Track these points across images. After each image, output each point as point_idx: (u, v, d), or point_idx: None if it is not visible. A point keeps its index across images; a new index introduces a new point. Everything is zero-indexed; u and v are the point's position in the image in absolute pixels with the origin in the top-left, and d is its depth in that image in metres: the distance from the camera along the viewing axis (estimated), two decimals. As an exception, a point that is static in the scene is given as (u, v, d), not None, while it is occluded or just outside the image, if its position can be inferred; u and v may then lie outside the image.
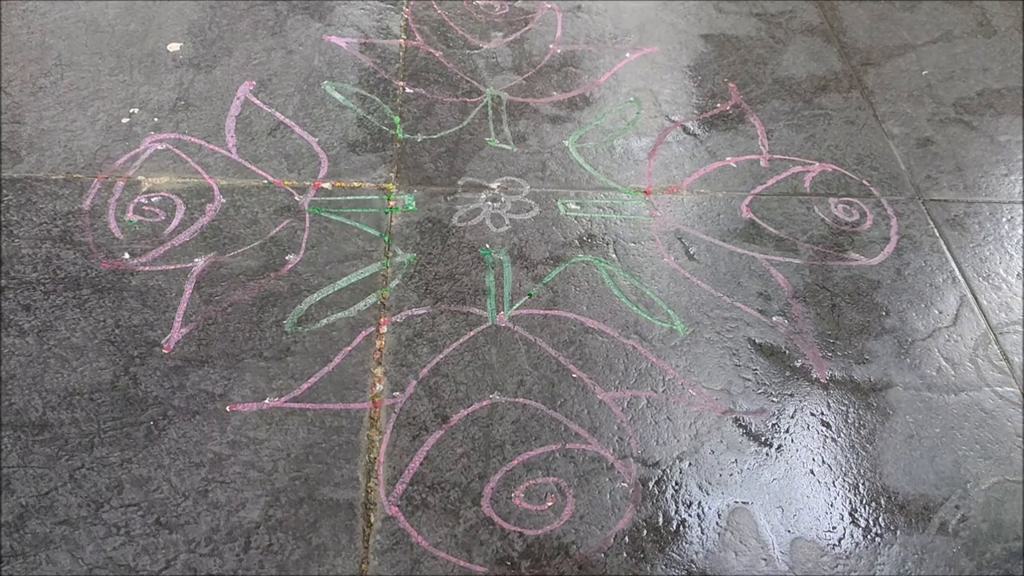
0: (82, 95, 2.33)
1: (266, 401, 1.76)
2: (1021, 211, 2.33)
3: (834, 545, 1.66)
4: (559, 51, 2.67)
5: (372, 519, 1.61)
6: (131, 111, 2.30)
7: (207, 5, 2.65)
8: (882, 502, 1.72)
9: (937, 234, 2.24)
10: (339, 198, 2.16)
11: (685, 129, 2.45)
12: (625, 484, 1.70)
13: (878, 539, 1.67)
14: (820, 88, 2.62)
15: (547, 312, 1.97)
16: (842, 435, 1.82)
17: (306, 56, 2.54)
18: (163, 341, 1.83)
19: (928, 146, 2.48)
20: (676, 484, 1.71)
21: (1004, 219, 2.30)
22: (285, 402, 1.76)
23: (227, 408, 1.74)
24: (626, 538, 1.63)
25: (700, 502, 1.69)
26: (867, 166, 2.39)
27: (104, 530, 1.56)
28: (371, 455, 1.70)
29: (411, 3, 2.78)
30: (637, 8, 2.86)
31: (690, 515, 1.67)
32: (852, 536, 1.67)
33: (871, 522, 1.69)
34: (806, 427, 1.82)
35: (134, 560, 1.52)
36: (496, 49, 2.65)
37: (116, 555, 1.52)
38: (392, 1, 2.77)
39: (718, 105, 2.54)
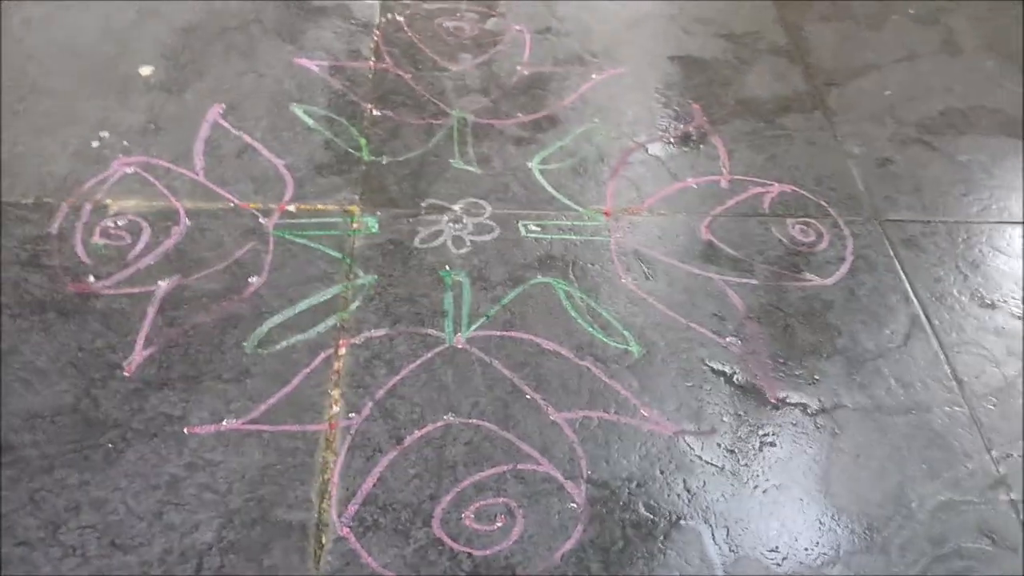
0: (55, 120, 2.37)
1: (223, 423, 1.79)
2: (977, 231, 2.36)
3: (778, 564, 1.69)
4: (527, 72, 2.71)
5: (324, 540, 1.64)
6: (101, 135, 2.34)
7: (180, 29, 2.70)
8: (826, 521, 1.75)
9: (892, 254, 2.27)
10: (303, 220, 2.20)
11: (648, 150, 2.49)
12: (574, 505, 1.73)
13: (823, 557, 1.70)
14: (783, 108, 2.66)
15: (504, 333, 2.00)
16: (791, 455, 1.85)
17: (276, 79, 2.58)
18: (124, 363, 1.86)
19: (887, 166, 2.52)
20: (624, 505, 1.74)
21: (960, 239, 2.33)
22: (242, 424, 1.79)
23: (185, 430, 1.77)
24: (573, 558, 1.66)
25: (647, 522, 1.72)
26: (826, 187, 2.43)
27: (61, 551, 1.59)
28: (325, 476, 1.73)
29: (382, 26, 2.82)
30: (606, 30, 2.91)
31: (637, 535, 1.70)
32: (796, 556, 1.70)
33: (816, 542, 1.72)
34: (756, 448, 1.86)
35: (88, 581, 1.55)
36: (464, 71, 2.69)
37: (71, 576, 1.56)
38: (363, 24, 2.81)
39: (681, 126, 2.58)
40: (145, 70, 2.55)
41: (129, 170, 2.27)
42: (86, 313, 1.95)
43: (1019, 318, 2.15)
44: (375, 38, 2.77)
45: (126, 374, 1.85)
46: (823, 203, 2.38)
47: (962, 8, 3.12)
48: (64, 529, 1.62)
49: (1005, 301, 2.19)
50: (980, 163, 2.55)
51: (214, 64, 2.60)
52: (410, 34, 2.80)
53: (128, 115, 2.41)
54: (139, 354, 1.89)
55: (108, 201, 2.18)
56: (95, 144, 2.32)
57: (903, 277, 2.22)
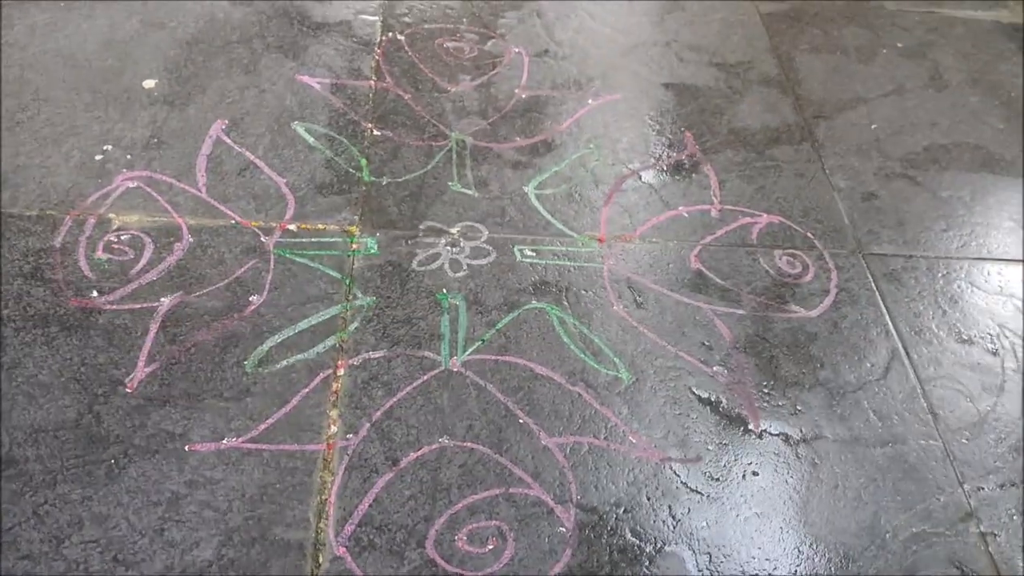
0: (58, 131, 2.41)
1: (224, 441, 1.84)
2: (956, 266, 2.45)
3: (758, 591, 1.76)
4: (524, 96, 2.77)
5: (320, 559, 1.69)
6: (104, 148, 2.38)
7: (184, 42, 2.73)
8: (804, 550, 1.82)
9: (874, 288, 2.35)
10: (304, 240, 2.24)
11: (641, 178, 2.55)
12: (563, 529, 1.79)
13: (800, 585, 1.77)
14: (773, 140, 2.73)
15: (498, 357, 2.06)
16: (772, 484, 1.92)
17: (278, 95, 2.62)
18: (127, 380, 1.91)
19: (872, 200, 2.60)
20: (611, 530, 1.80)
21: (940, 274, 2.41)
22: (242, 442, 1.84)
23: (186, 448, 1.82)
24: (561, 582, 1.72)
25: (633, 547, 1.78)
26: (812, 219, 2.51)
27: (64, 566, 1.63)
28: (323, 496, 1.78)
29: (383, 44, 2.87)
30: (602, 55, 2.97)
31: (623, 560, 1.76)
32: (775, 583, 1.77)
33: (794, 570, 1.79)
34: (739, 476, 1.92)
35: (90, 596, 1.60)
36: (463, 92, 2.74)
37: (73, 591, 1.60)
38: (364, 42, 2.86)
39: (674, 154, 2.64)
40: (149, 83, 2.58)
41: (132, 184, 2.30)
42: (89, 328, 1.99)
43: (994, 354, 2.23)
44: (376, 57, 2.82)
45: (128, 390, 1.89)
46: (809, 235, 2.46)
47: (949, 44, 3.21)
48: (67, 543, 1.66)
49: (982, 337, 2.27)
50: (961, 199, 2.64)
51: (217, 78, 2.64)
52: (411, 53, 2.85)
53: (131, 128, 2.45)
54: (141, 371, 1.93)
55: (111, 215, 2.22)
56: (98, 157, 2.36)
57: (884, 311, 2.30)
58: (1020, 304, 2.36)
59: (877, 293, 2.34)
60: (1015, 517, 1.91)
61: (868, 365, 2.16)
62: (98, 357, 1.94)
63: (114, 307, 2.03)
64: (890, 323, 2.27)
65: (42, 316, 1.99)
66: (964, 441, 2.04)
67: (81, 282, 2.07)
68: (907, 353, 2.21)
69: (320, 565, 1.68)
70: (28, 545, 1.65)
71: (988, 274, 2.43)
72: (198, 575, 1.64)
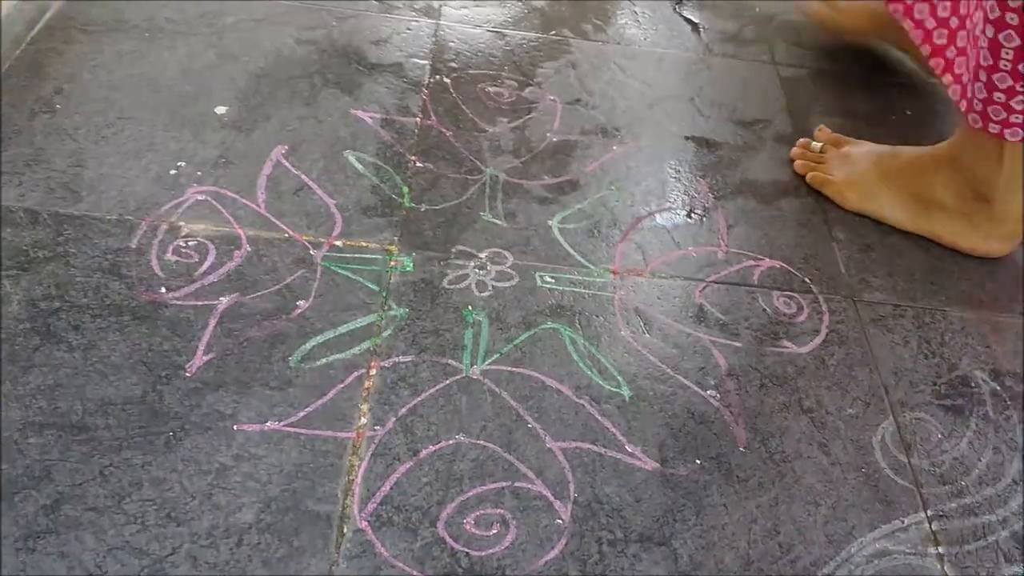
0: (138, 146, 2.72)
1: (268, 424, 2.09)
2: (940, 317, 2.65)
3: (732, 589, 1.96)
4: (555, 139, 3.04)
5: (345, 530, 1.93)
6: (179, 164, 2.68)
7: (253, 74, 3.05)
8: (776, 555, 2.02)
9: (862, 331, 2.56)
10: (348, 255, 2.51)
11: (656, 219, 2.80)
12: (560, 521, 2.01)
13: (770, 588, 1.97)
14: (781, 192, 2.97)
15: (514, 369, 2.30)
16: (752, 495, 2.12)
17: (333, 126, 2.92)
18: (187, 365, 2.17)
19: (868, 252, 2.81)
20: (603, 525, 2.02)
21: (925, 323, 2.62)
22: (283, 426, 2.09)
23: (234, 427, 2.07)
24: (555, 565, 1.93)
25: (620, 540, 1.99)
26: (811, 265, 2.73)
27: (124, 519, 1.88)
28: (350, 477, 2.02)
29: (430, 85, 3.16)
30: (630, 106, 3.24)
31: (612, 551, 1.97)
32: (747, 583, 1.97)
33: (765, 572, 1.99)
34: (722, 486, 2.13)
35: (146, 545, 1.84)
36: (500, 133, 3.02)
37: (132, 540, 1.84)
38: (413, 82, 3.16)
39: (688, 200, 2.89)
40: (220, 109, 2.90)
41: (201, 197, 2.60)
42: (156, 319, 2.26)
43: (969, 399, 2.42)
44: (423, 97, 3.11)
45: (188, 374, 2.15)
46: (807, 280, 2.68)
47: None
48: (128, 500, 1.91)
49: (959, 383, 2.46)
50: (952, 257, 2.84)
51: (280, 108, 2.95)
52: (455, 95, 3.14)
53: (203, 148, 2.75)
54: (199, 358, 2.20)
55: (181, 223, 2.51)
56: (173, 172, 2.66)
57: (870, 352, 2.50)
58: (997, 354, 2.55)
59: (865, 336, 2.55)
60: (971, 542, 2.09)
61: (850, 399, 2.37)
62: (163, 344, 2.21)
63: (179, 303, 2.31)
64: (874, 364, 2.47)
65: (116, 306, 2.27)
66: (932, 472, 2.23)
67: (152, 279, 2.35)
68: (887, 392, 2.41)
69: (344, 535, 1.92)
70: (94, 499, 1.90)
71: (968, 325, 2.63)
72: (239, 534, 1.88)
